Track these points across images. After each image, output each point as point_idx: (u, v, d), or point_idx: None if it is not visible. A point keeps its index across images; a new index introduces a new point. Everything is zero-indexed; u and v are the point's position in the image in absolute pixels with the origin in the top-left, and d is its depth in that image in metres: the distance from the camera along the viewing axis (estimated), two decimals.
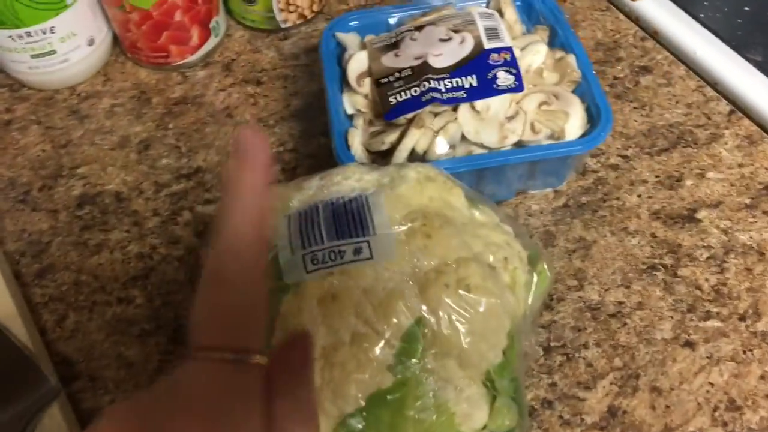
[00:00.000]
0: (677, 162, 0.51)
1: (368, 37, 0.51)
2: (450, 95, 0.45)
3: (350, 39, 0.51)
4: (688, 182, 0.50)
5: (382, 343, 0.32)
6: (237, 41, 0.62)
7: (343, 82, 0.50)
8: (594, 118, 0.46)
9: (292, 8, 0.60)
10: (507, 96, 0.46)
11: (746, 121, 0.53)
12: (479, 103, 0.46)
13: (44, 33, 0.54)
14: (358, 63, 0.49)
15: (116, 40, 0.61)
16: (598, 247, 0.48)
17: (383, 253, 0.34)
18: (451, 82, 0.46)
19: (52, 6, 0.53)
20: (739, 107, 0.54)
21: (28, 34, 0.53)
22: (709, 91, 0.55)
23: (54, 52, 0.55)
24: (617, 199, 0.50)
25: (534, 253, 0.39)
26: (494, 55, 0.47)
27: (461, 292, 0.33)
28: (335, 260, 0.33)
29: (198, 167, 0.54)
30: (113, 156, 0.55)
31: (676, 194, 0.50)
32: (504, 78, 0.46)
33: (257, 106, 0.57)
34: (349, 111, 0.49)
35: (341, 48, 0.52)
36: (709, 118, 0.54)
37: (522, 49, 0.48)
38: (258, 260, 0.25)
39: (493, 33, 0.48)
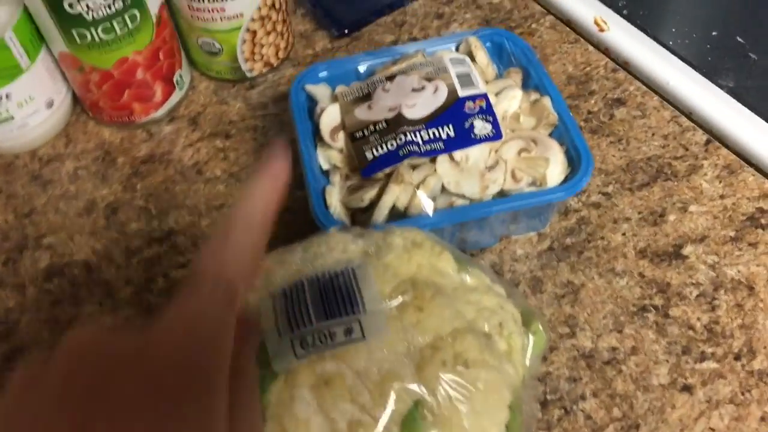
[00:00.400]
0: (659, 196, 0.51)
1: (339, 89, 0.49)
2: (428, 147, 0.44)
3: (320, 91, 0.50)
4: (672, 217, 0.50)
5: (381, 430, 0.31)
6: (202, 93, 0.60)
7: (316, 137, 0.48)
8: (574, 160, 0.46)
9: (257, 57, 0.58)
10: (486, 145, 0.45)
11: (724, 151, 0.53)
12: (458, 154, 0.45)
13: (0, 99, 0.51)
14: (330, 117, 0.48)
15: (76, 100, 0.58)
16: (587, 291, 0.47)
17: (376, 332, 0.32)
18: (428, 134, 0.45)
19: (7, 72, 0.51)
20: (715, 136, 0.54)
21: None
22: (685, 121, 0.55)
23: (12, 118, 0.53)
24: (602, 238, 0.49)
25: (527, 312, 0.38)
26: (470, 103, 0.46)
27: (459, 368, 0.32)
28: (326, 342, 0.32)
29: (170, 229, 0.52)
30: (80, 223, 0.53)
31: (661, 230, 0.49)
32: (481, 127, 0.45)
33: (228, 161, 0.56)
34: (325, 167, 0.47)
35: (311, 100, 0.50)
36: (686, 149, 0.53)
37: (497, 95, 0.48)
38: (262, 236, 0.28)
39: (466, 80, 0.47)
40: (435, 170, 0.45)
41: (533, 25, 0.62)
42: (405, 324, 0.33)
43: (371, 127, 0.46)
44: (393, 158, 0.44)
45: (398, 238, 0.37)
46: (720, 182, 0.51)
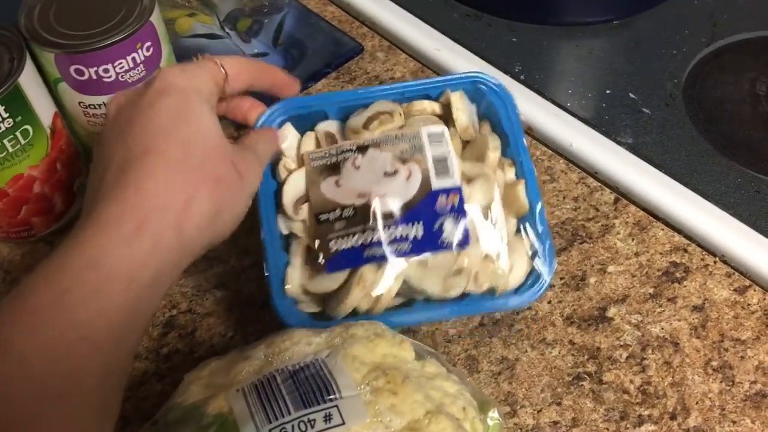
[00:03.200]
0: (577, 260, 0.52)
1: (305, 151, 0.47)
2: (394, 247, 0.43)
3: (286, 133, 0.48)
4: (592, 280, 0.51)
5: None
6: None
7: (278, 204, 0.46)
8: (537, 257, 0.46)
9: None
10: (453, 251, 0.44)
11: (632, 207, 0.55)
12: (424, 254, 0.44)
13: None
14: (295, 186, 0.46)
15: None
16: (522, 365, 0.47)
17: (354, 416, 0.33)
18: (396, 232, 0.44)
19: None
20: (622, 194, 0.56)
21: None
22: (592, 182, 0.57)
23: None
24: (529, 308, 0.50)
25: (482, 399, 0.39)
26: (442, 198, 0.44)
27: None
28: (307, 431, 0.32)
29: None
30: None
31: (584, 294, 0.50)
32: (450, 230, 0.44)
33: None
34: (284, 232, 0.46)
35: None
36: (597, 210, 0.55)
37: (469, 182, 0.46)
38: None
39: (442, 166, 0.45)
40: (397, 266, 0.44)
41: None
42: (381, 408, 0.34)
43: (338, 211, 0.44)
44: (357, 258, 0.43)
45: (360, 329, 0.38)
46: (633, 240, 0.53)
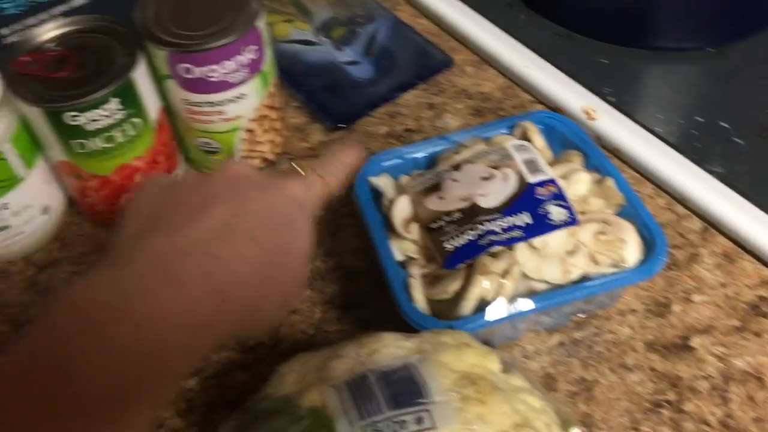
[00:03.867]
0: (662, 287, 0.52)
1: (404, 180, 0.51)
2: (507, 236, 0.45)
3: (384, 182, 0.51)
4: (677, 308, 0.51)
5: None
6: None
7: (387, 229, 0.49)
8: (647, 239, 0.47)
9: (255, 154, 0.59)
10: (564, 230, 0.45)
11: (720, 238, 0.54)
12: (537, 240, 0.45)
13: None
14: (401, 209, 0.48)
15: (70, 201, 0.58)
16: (601, 388, 0.47)
17: (444, 421, 0.34)
18: (505, 222, 0.45)
19: (5, 183, 0.50)
20: (710, 223, 0.55)
21: None
22: (680, 209, 0.56)
23: (8, 227, 0.52)
24: (610, 332, 0.50)
25: (564, 416, 0.39)
26: (540, 189, 0.46)
27: None
28: (398, 431, 0.33)
29: None
30: None
31: (667, 322, 0.50)
32: (556, 212, 0.45)
33: None
34: (398, 258, 0.48)
35: (374, 191, 0.51)
36: (684, 238, 0.54)
37: (563, 178, 0.48)
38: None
39: (533, 166, 0.48)
40: (515, 258, 0.45)
41: None
42: (470, 416, 0.34)
43: (446, 218, 0.46)
44: (474, 249, 0.44)
45: (448, 337, 0.39)
46: (720, 270, 0.52)
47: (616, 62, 0.67)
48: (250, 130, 0.56)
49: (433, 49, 0.68)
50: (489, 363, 0.38)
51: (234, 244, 0.35)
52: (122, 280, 0.32)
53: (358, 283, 0.53)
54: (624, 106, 0.63)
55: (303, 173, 0.44)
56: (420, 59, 0.68)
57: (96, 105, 0.47)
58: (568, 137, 0.53)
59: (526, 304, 0.44)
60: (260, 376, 0.42)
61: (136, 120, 0.50)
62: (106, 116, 0.48)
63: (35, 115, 0.48)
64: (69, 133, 0.48)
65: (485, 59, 0.68)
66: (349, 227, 0.57)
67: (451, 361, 0.37)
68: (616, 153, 0.60)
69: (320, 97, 0.64)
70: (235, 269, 0.34)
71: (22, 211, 0.52)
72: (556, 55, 0.67)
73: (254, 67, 0.53)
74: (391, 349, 0.37)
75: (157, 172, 0.54)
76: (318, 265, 0.55)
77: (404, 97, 0.65)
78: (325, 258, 0.55)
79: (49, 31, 0.51)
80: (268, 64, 0.55)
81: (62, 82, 0.48)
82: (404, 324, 0.45)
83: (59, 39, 0.51)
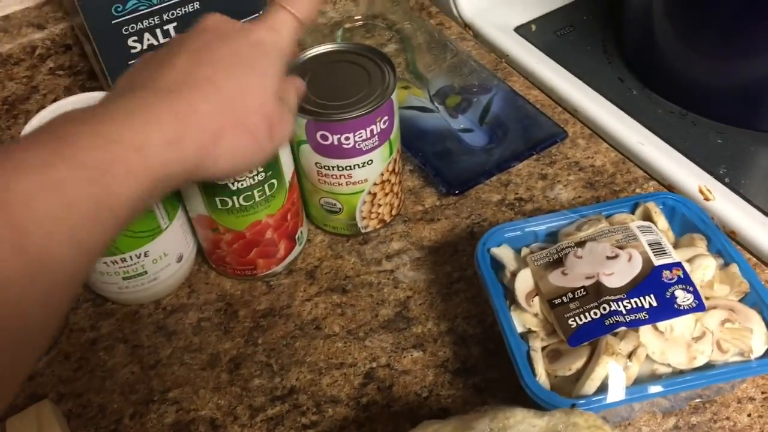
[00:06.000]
0: None
1: (526, 253, 0.52)
2: (631, 317, 0.45)
3: (505, 254, 0.53)
4: None
5: None
6: (318, 246, 0.63)
7: (509, 300, 0.50)
8: None
9: (374, 215, 0.61)
10: (690, 315, 0.46)
11: None
12: (662, 324, 0.46)
13: (138, 257, 0.54)
14: (524, 281, 0.50)
15: (199, 250, 0.61)
16: None
17: None
18: (630, 303, 0.46)
19: (149, 233, 0.54)
20: None
21: (123, 260, 0.54)
22: None
23: (145, 273, 0.56)
24: (727, 419, 0.49)
25: None
26: (666, 272, 0.47)
27: None
28: None
29: (292, 387, 0.53)
30: (204, 377, 0.54)
31: None
32: (683, 297, 0.46)
33: (345, 317, 0.57)
34: (519, 330, 0.49)
35: (494, 262, 0.53)
36: None
37: (689, 262, 0.49)
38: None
39: (658, 248, 0.49)
40: (640, 340, 0.46)
41: (637, 190, 0.64)
42: None
43: (570, 294, 0.47)
44: (599, 328, 0.45)
45: (581, 419, 0.39)
46: None
47: (732, 142, 0.67)
48: (372, 194, 0.59)
49: (547, 120, 0.70)
50: None
51: (196, 88, 0.39)
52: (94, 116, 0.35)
53: (470, 349, 0.55)
54: (739, 187, 0.63)
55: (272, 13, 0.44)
56: (533, 130, 0.69)
57: None
58: (690, 219, 0.54)
59: (653, 388, 0.44)
60: None
61: (273, 181, 0.53)
62: (250, 177, 0.51)
63: None
64: (215, 191, 0.52)
65: (597, 132, 0.70)
66: (461, 292, 0.58)
67: None
68: (732, 236, 0.60)
69: (434, 162, 0.67)
70: (196, 106, 0.38)
71: (159, 260, 0.56)
72: (669, 132, 0.68)
73: (384, 136, 0.56)
74: (523, 426, 0.38)
75: (284, 229, 0.57)
76: (430, 328, 0.56)
77: (517, 166, 0.67)
78: (437, 321, 0.56)
79: None
80: (395, 132, 0.57)
81: None
82: (520, 394, 0.46)
83: None
